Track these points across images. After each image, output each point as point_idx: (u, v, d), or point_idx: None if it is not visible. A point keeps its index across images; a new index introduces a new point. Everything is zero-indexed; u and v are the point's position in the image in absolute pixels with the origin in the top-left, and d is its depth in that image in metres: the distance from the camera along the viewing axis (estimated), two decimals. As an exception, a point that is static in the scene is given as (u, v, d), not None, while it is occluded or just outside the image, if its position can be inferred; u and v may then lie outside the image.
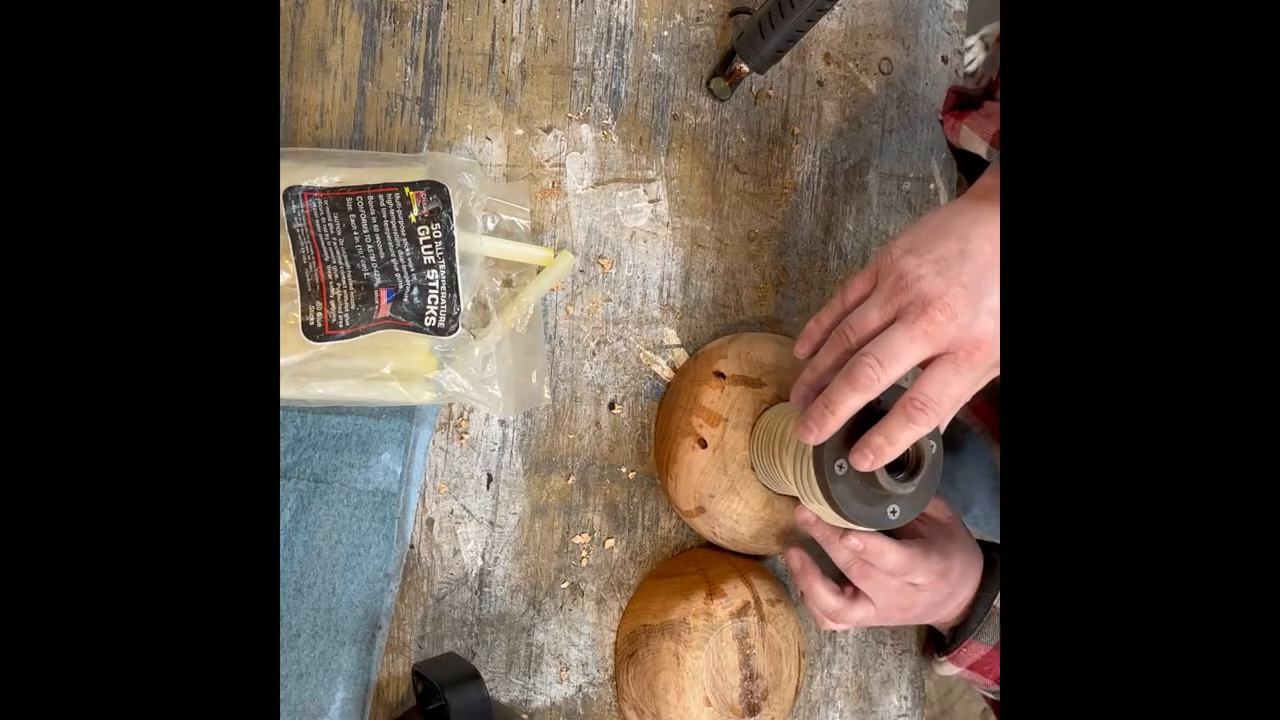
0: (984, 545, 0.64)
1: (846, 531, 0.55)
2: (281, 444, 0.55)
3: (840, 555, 0.56)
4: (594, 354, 0.63)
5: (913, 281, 0.47)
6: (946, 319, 0.46)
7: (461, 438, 0.60)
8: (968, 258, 0.47)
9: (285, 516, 0.55)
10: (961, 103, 0.55)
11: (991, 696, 0.65)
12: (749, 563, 0.64)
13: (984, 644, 0.61)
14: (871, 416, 0.48)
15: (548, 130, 0.62)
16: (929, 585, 0.58)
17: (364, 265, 0.54)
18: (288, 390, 0.53)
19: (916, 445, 0.49)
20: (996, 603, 0.60)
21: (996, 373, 0.48)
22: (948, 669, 0.65)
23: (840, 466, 0.50)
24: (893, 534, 0.58)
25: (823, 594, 0.57)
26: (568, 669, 0.63)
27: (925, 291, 0.46)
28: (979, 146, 0.52)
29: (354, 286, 0.54)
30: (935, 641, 0.67)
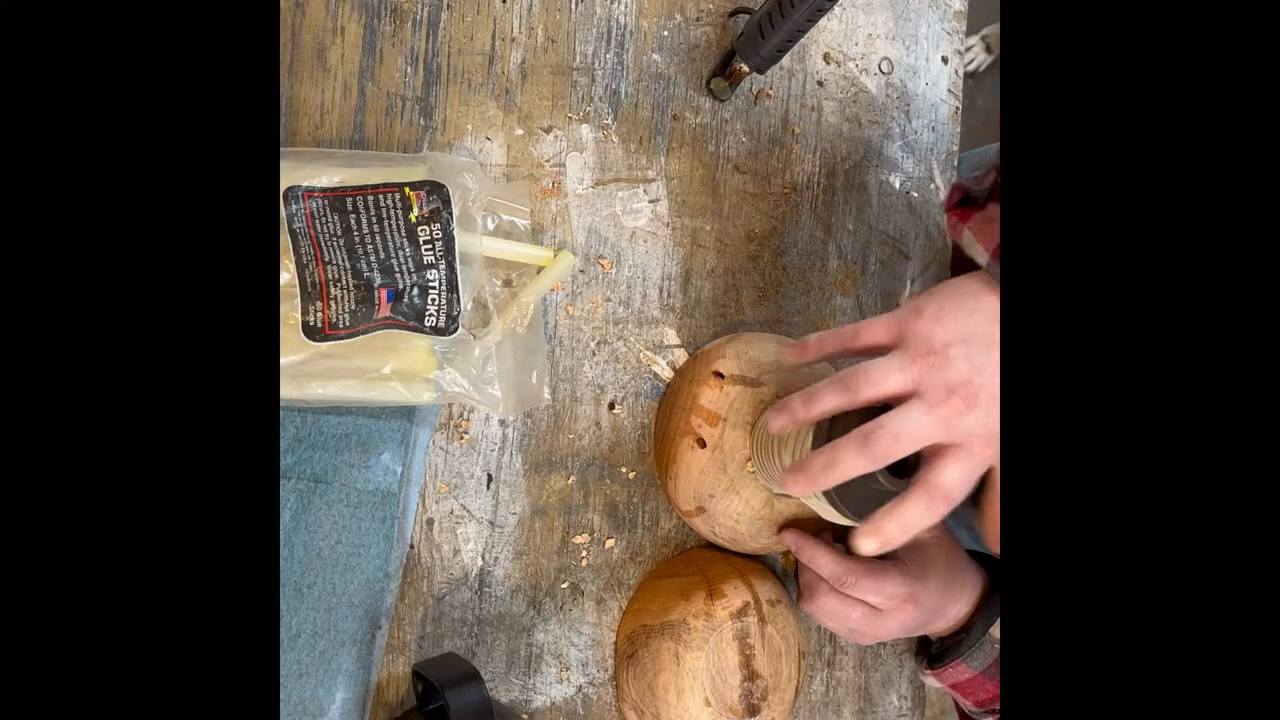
0: (987, 560, 0.64)
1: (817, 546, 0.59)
2: (281, 444, 0.55)
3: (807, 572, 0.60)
4: (594, 354, 0.63)
5: (942, 362, 0.46)
6: (968, 409, 0.45)
7: (461, 438, 0.60)
8: (994, 345, 0.46)
9: (285, 516, 0.55)
10: (965, 199, 0.52)
11: (970, 714, 0.65)
12: (749, 563, 0.64)
13: (971, 667, 0.61)
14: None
15: (548, 130, 0.62)
16: (893, 609, 0.58)
17: (364, 265, 0.54)
18: (288, 390, 0.53)
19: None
20: (992, 631, 0.60)
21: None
22: (931, 682, 0.65)
23: None
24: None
25: (826, 560, 0.58)
26: (568, 669, 0.63)
27: (952, 378, 0.46)
28: (980, 256, 0.49)
29: (354, 286, 0.54)
30: (924, 650, 0.67)
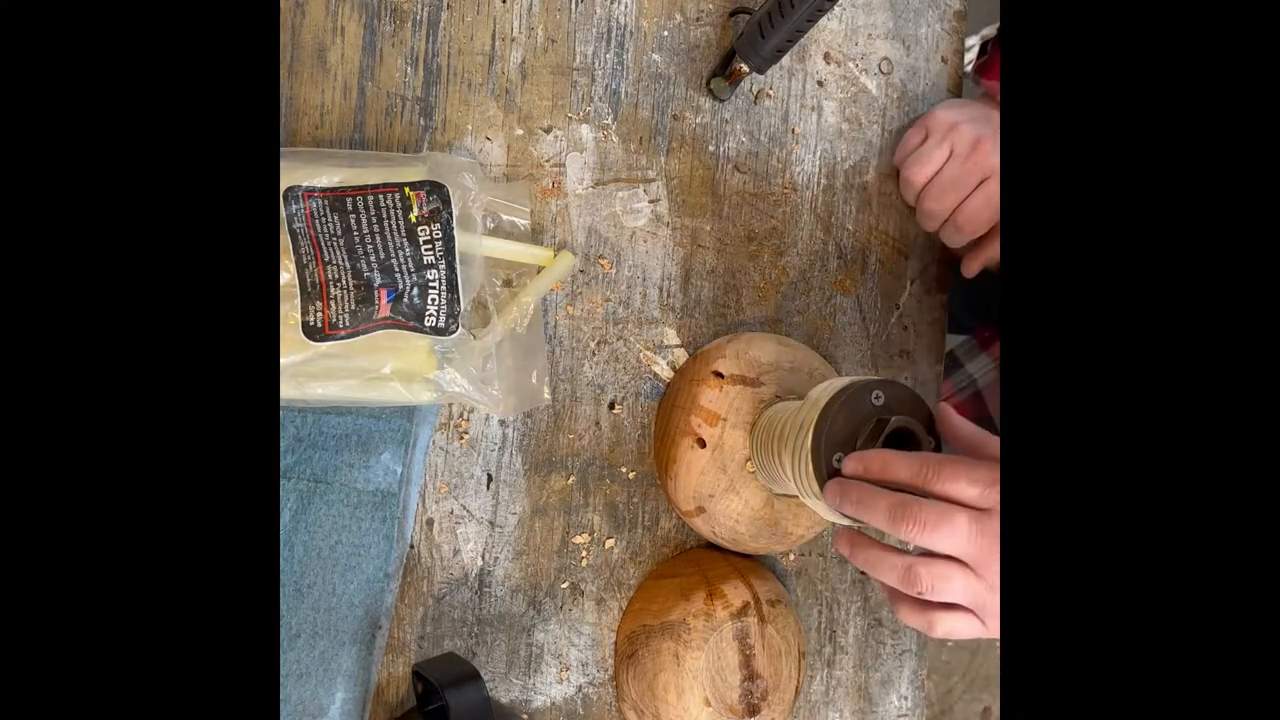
0: None
1: (883, 547, 0.49)
2: (281, 444, 0.55)
3: (889, 576, 0.48)
4: (594, 354, 0.63)
5: (962, 130, 0.63)
6: (986, 155, 0.63)
7: (461, 438, 0.60)
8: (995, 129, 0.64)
9: (285, 516, 0.55)
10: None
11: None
12: (749, 563, 0.64)
13: None
14: (879, 426, 0.50)
15: (548, 130, 0.62)
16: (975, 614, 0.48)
17: (364, 265, 0.54)
18: (288, 390, 0.53)
19: (914, 440, 0.50)
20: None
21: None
22: None
23: (838, 460, 0.50)
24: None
25: (900, 466, 0.47)
26: (568, 669, 0.63)
27: (972, 137, 0.63)
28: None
29: (354, 286, 0.54)
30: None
